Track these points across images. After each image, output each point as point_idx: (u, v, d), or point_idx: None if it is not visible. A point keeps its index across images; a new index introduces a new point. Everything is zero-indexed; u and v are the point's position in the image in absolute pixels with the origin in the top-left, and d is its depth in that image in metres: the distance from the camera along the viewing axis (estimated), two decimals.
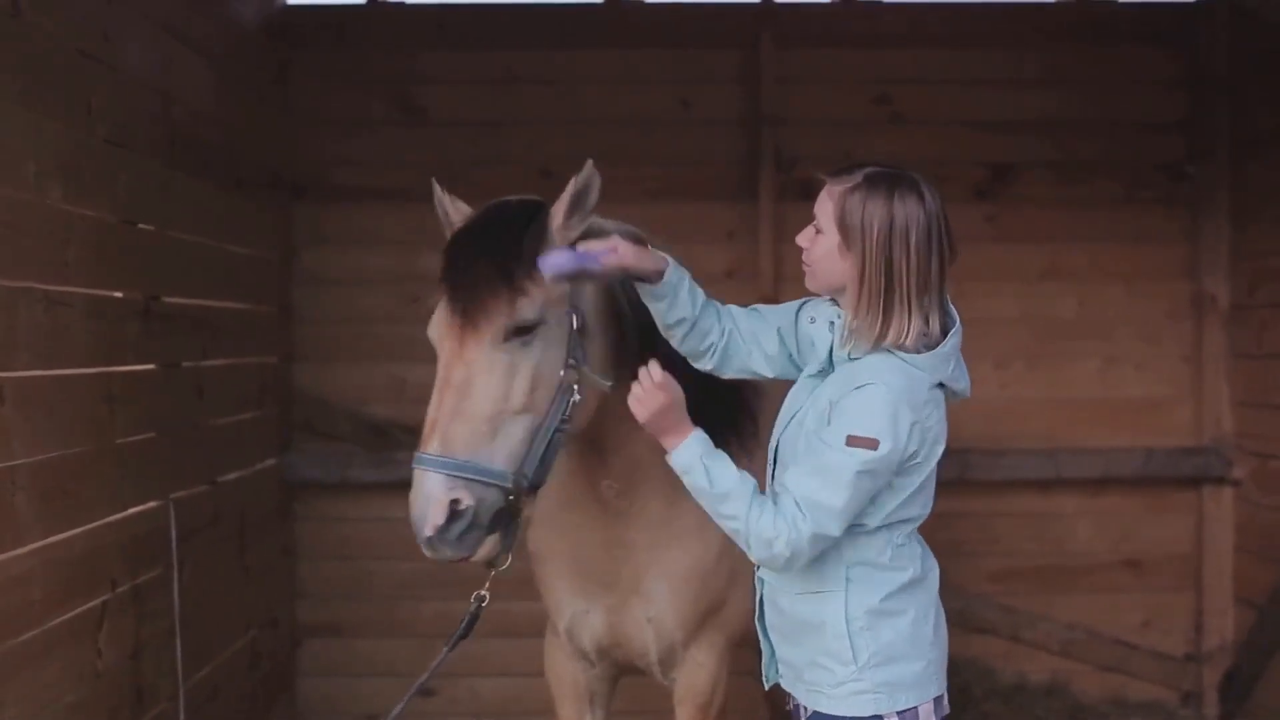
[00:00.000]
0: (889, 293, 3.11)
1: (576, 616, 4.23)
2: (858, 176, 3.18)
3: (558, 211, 3.61)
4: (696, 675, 4.25)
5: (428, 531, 3.38)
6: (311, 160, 6.70)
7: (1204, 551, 6.77)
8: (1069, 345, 6.79)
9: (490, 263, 3.48)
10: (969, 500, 6.65)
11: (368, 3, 6.82)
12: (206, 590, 5.22)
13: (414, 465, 3.42)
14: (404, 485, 6.79)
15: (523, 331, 3.47)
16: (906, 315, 3.12)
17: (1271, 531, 6.33)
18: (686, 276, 3.44)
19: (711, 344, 3.47)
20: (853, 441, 3.06)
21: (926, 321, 3.13)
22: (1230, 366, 6.69)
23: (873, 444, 3.05)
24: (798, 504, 3.10)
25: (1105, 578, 6.83)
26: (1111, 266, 6.78)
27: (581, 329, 3.59)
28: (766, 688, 3.47)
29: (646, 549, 4.05)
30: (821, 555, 3.18)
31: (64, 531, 4.02)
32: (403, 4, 6.84)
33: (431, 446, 3.41)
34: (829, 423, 3.13)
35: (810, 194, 3.32)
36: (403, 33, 6.74)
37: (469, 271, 3.49)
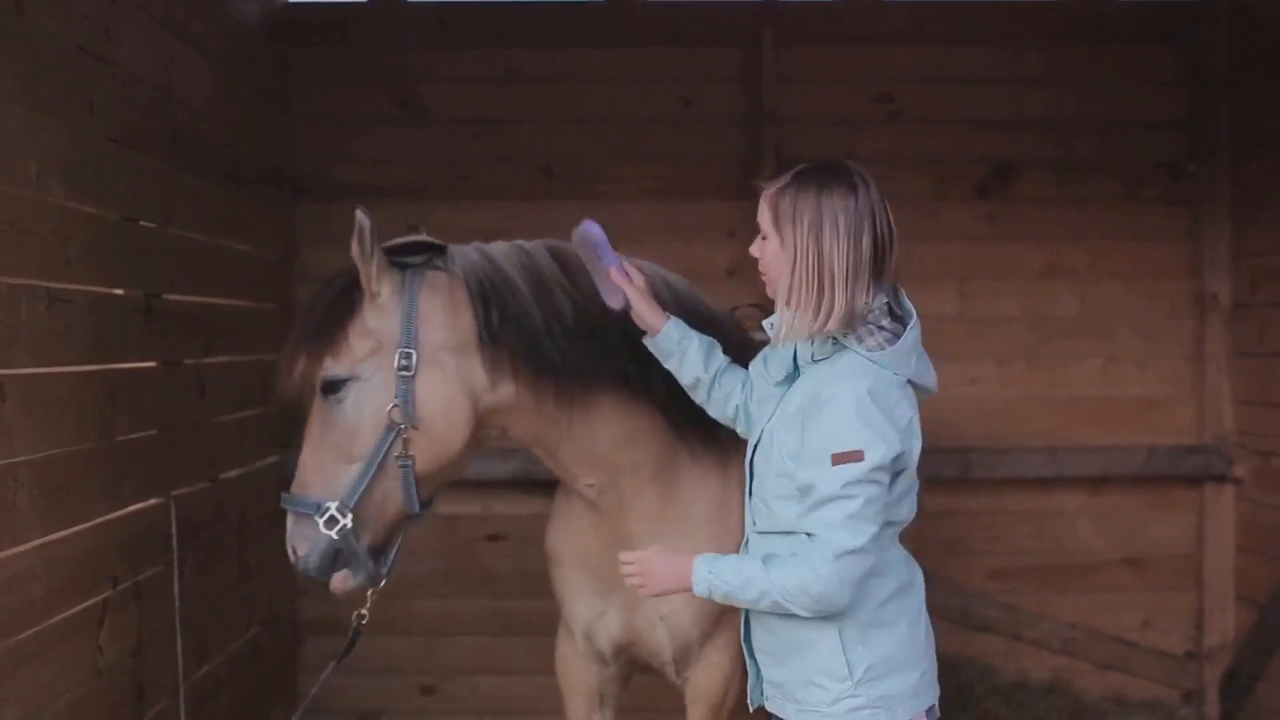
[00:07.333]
0: (819, 278, 3.13)
1: (593, 620, 4.22)
2: (788, 177, 3.25)
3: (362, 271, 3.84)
4: (711, 675, 4.21)
5: (293, 559, 3.87)
6: (313, 158, 6.70)
7: (1205, 550, 6.76)
8: (1070, 344, 6.78)
9: (305, 328, 3.82)
10: (970, 498, 6.63)
11: (369, 0, 6.82)
12: (207, 587, 5.22)
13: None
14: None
15: (334, 386, 3.74)
16: (836, 296, 3.12)
17: (1273, 530, 6.33)
18: (695, 339, 3.57)
19: (736, 407, 3.57)
20: (838, 460, 3.06)
21: (857, 304, 3.14)
22: (1232, 365, 6.69)
23: (858, 456, 3.05)
24: (811, 539, 3.10)
25: (1106, 576, 6.82)
26: (1112, 265, 6.78)
27: (408, 369, 3.71)
28: (751, 710, 3.46)
29: (650, 541, 3.99)
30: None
31: (65, 529, 4.02)
32: (404, 1, 6.83)
33: (292, 487, 3.88)
34: (803, 442, 3.13)
35: None
36: (404, 30, 6.73)
37: (291, 336, 3.86)
